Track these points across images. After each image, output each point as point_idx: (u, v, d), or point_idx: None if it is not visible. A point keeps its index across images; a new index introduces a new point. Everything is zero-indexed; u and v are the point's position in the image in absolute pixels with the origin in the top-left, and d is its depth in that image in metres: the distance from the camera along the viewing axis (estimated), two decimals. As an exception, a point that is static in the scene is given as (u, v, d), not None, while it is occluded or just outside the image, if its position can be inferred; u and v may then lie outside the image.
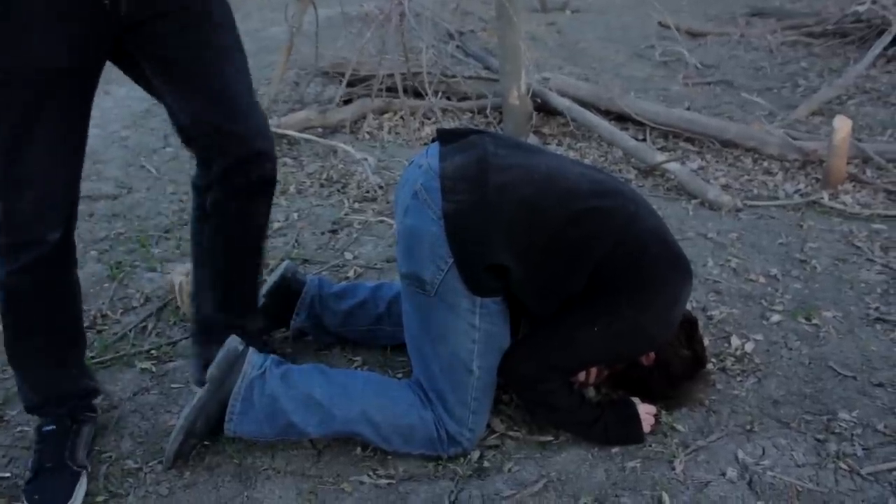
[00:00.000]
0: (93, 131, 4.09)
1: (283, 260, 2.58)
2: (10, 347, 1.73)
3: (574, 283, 1.70)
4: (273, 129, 3.88)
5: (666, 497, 1.64)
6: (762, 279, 2.56)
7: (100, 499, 1.67)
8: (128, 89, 4.81)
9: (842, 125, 3.23)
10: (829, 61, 5.59)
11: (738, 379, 2.04)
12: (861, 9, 5.92)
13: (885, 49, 5.32)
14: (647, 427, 1.81)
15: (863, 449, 1.77)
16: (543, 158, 1.80)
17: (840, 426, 1.84)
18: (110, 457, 1.79)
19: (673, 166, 3.44)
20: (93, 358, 2.12)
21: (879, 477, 1.68)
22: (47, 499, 1.63)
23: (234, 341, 1.76)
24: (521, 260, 1.67)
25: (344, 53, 4.76)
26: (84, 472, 1.71)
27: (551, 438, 1.83)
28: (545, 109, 4.27)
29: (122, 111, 4.51)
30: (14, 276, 1.61)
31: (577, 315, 1.74)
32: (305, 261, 2.74)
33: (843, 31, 6.04)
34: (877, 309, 2.36)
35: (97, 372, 2.07)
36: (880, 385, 1.99)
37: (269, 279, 2.18)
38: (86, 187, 3.32)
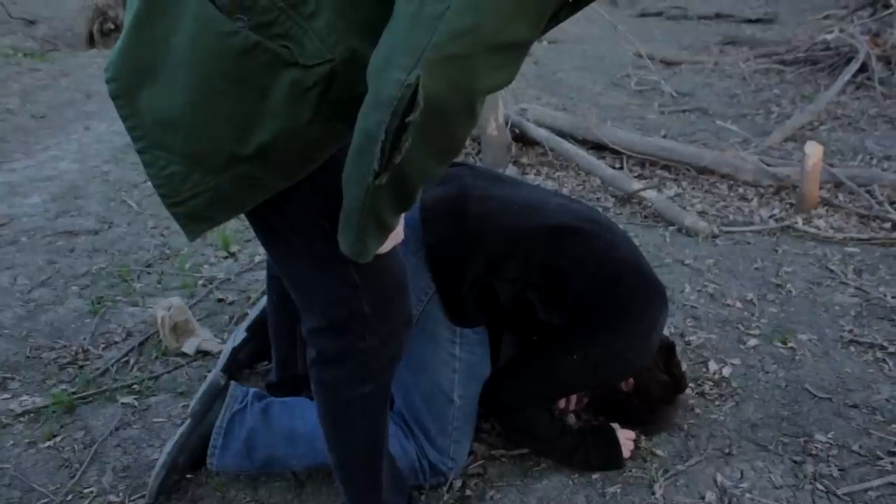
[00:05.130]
0: (73, 166, 4.14)
1: (264, 293, 2.59)
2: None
3: (554, 312, 1.72)
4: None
5: (647, 522, 1.65)
6: (738, 304, 2.60)
7: (81, 536, 1.67)
8: (108, 124, 4.84)
9: (814, 151, 3.30)
10: (801, 88, 5.71)
11: (717, 403, 2.06)
12: (829, 37, 6.09)
13: (854, 76, 5.46)
14: (626, 452, 1.83)
15: (839, 469, 1.79)
16: (521, 189, 1.84)
17: (816, 447, 1.87)
18: (92, 491, 1.78)
19: (650, 194, 3.50)
20: (74, 393, 2.11)
21: (856, 497, 1.71)
22: None
23: (216, 376, 1.77)
24: (503, 289, 1.69)
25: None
26: None
27: (532, 465, 1.85)
28: (523, 140, 4.33)
29: (103, 146, 4.51)
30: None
31: (556, 343, 1.77)
32: (287, 293, 2.73)
33: (814, 59, 6.18)
34: (851, 331, 2.40)
35: (79, 407, 2.07)
36: (855, 406, 2.03)
37: (251, 312, 2.19)
38: (66, 222, 3.33)
